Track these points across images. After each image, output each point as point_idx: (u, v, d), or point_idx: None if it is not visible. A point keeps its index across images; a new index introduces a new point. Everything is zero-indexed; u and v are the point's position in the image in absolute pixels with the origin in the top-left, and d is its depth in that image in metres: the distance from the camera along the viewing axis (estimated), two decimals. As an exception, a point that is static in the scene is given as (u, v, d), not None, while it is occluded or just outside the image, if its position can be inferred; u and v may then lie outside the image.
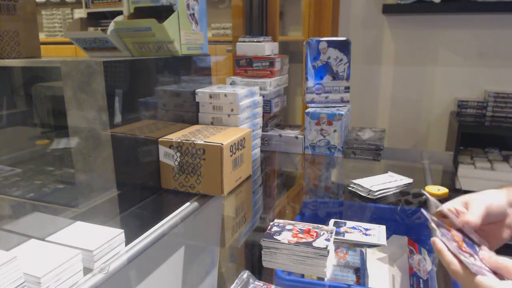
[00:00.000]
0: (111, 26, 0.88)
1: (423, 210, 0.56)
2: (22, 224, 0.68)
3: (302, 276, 0.70)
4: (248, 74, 1.22)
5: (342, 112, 1.17)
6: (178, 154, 0.84)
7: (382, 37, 2.34)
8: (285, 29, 2.49)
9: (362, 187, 0.95)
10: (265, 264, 0.66)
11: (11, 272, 0.45)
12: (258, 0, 1.63)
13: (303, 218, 0.89)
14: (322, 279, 0.66)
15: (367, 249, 0.77)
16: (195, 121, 1.02)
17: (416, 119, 2.37)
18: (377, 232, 0.77)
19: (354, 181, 0.98)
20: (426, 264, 0.71)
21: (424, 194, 0.67)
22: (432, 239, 0.53)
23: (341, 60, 1.22)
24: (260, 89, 1.18)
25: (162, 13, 0.89)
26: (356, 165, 1.18)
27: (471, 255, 0.50)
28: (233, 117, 1.00)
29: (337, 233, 0.76)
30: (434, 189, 0.92)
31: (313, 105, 1.24)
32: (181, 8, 0.91)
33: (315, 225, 0.70)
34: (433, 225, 0.54)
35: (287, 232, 0.67)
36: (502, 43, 2.13)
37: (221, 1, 2.70)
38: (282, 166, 1.21)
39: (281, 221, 0.72)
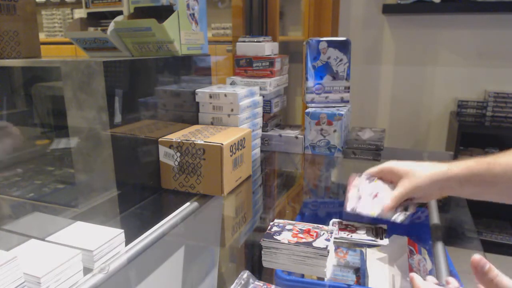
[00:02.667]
0: (111, 26, 0.88)
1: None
2: (22, 224, 0.68)
3: (302, 276, 0.70)
4: (248, 74, 1.22)
5: (342, 112, 1.17)
6: (178, 154, 0.84)
7: (382, 37, 2.34)
8: (285, 29, 2.49)
9: (362, 187, 0.95)
10: (265, 264, 0.66)
11: (11, 272, 0.45)
12: (258, 0, 1.63)
13: (303, 218, 0.89)
14: (322, 279, 0.66)
15: (367, 249, 0.77)
16: (195, 121, 1.02)
17: (416, 119, 2.37)
18: (377, 232, 0.77)
19: (354, 181, 0.98)
20: (426, 264, 0.71)
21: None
22: (410, 275, 0.53)
23: (341, 60, 1.22)
24: (260, 89, 1.18)
25: (162, 13, 0.89)
26: (356, 165, 1.18)
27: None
28: (233, 117, 1.00)
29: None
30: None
31: (313, 105, 1.24)
32: (181, 8, 0.91)
33: (315, 225, 0.70)
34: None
35: (287, 232, 0.67)
36: (502, 43, 2.14)
37: (221, 1, 2.70)
38: (282, 166, 1.21)
39: (281, 221, 0.72)
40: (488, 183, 0.62)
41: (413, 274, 0.52)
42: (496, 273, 0.46)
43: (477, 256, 0.46)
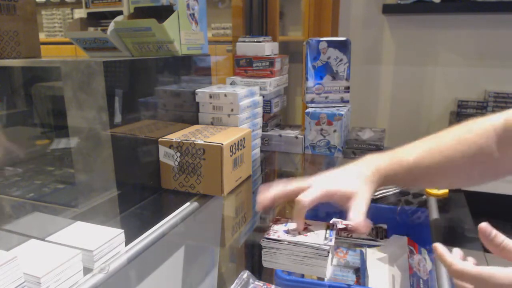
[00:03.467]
0: (111, 26, 0.88)
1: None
2: (22, 224, 0.68)
3: (302, 276, 0.70)
4: (248, 74, 1.22)
5: (342, 112, 1.17)
6: (178, 154, 0.84)
7: (382, 37, 2.34)
8: (285, 29, 2.49)
9: (362, 187, 0.95)
10: (265, 264, 0.66)
11: (11, 272, 0.45)
12: (258, 0, 1.63)
13: (303, 218, 0.89)
14: (322, 279, 0.66)
15: (367, 249, 0.77)
16: (195, 121, 1.02)
17: (416, 119, 2.38)
18: (377, 232, 0.77)
19: (354, 181, 0.98)
20: (426, 264, 0.71)
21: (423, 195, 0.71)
22: (434, 244, 0.54)
23: (341, 60, 1.22)
24: (260, 89, 1.18)
25: (162, 13, 0.89)
26: (356, 165, 1.18)
27: None
28: (233, 117, 1.00)
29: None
30: (434, 189, 0.92)
31: (313, 105, 1.24)
32: (181, 8, 0.91)
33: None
34: None
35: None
36: (502, 43, 2.14)
37: (221, 1, 2.70)
38: (282, 166, 1.21)
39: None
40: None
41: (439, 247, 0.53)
42: (503, 238, 0.49)
43: (484, 224, 0.50)
